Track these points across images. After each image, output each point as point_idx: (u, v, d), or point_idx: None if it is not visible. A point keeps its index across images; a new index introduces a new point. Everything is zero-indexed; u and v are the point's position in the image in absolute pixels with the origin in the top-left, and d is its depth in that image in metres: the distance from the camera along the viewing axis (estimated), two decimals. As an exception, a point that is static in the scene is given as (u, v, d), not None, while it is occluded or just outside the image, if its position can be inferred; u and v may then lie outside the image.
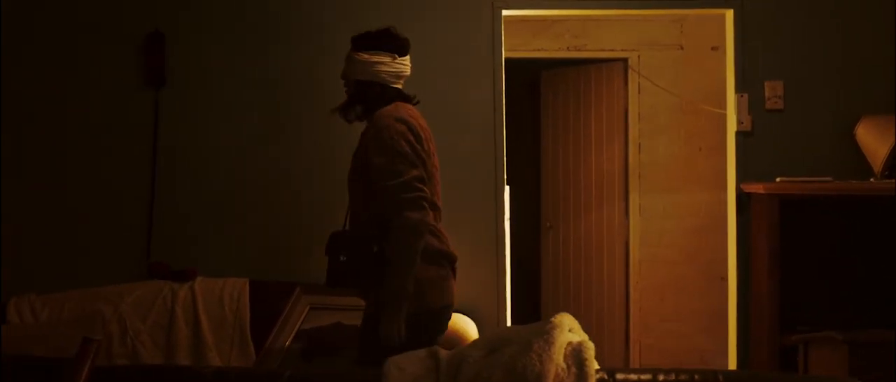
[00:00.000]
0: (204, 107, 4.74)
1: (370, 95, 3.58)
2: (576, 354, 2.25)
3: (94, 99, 4.73)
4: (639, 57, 6.36)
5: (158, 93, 4.73)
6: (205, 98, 4.74)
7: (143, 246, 4.74)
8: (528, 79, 7.11)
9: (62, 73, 4.73)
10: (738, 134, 4.75)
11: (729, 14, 4.78)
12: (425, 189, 3.39)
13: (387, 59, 3.57)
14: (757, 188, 4.58)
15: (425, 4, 4.71)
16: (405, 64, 3.63)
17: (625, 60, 6.39)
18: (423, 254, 3.40)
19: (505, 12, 4.71)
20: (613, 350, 6.39)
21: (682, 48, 6.38)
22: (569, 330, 2.38)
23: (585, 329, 6.20)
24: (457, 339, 4.38)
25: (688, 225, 6.38)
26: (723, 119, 6.24)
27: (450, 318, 3.59)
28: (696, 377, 2.32)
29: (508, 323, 4.84)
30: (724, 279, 6.28)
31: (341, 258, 3.49)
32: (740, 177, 4.75)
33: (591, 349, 2.33)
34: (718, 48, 6.27)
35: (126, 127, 4.73)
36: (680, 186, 6.38)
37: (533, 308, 7.01)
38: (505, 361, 2.15)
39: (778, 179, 4.55)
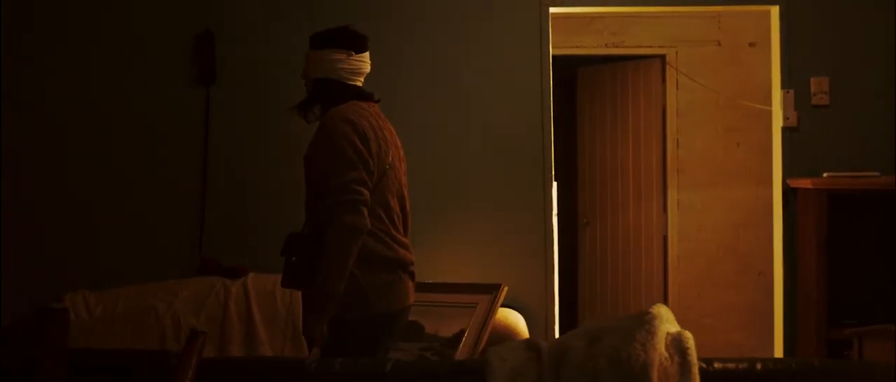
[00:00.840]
0: (253, 105, 4.79)
1: (327, 93, 3.53)
2: (677, 344, 2.29)
3: (147, 97, 4.78)
4: (676, 53, 6.40)
5: (209, 90, 4.78)
6: (254, 95, 4.79)
7: (194, 242, 4.79)
8: (565, 76, 7.14)
9: (115, 72, 4.79)
10: (783, 129, 4.77)
11: (774, 10, 4.81)
12: (364, 191, 3.30)
13: (343, 56, 3.52)
14: (804, 183, 4.60)
15: (473, 2, 4.75)
16: (363, 60, 3.57)
17: (662, 57, 6.42)
18: (368, 261, 3.35)
19: (552, 10, 4.74)
20: (651, 345, 6.42)
21: (719, 44, 6.41)
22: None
23: (552, 325, 6.24)
24: (507, 334, 4.42)
25: (725, 221, 6.41)
26: (761, 114, 6.28)
27: (402, 322, 3.53)
28: (793, 365, 2.37)
29: (556, 319, 4.87)
30: (763, 274, 6.32)
31: (292, 259, 3.45)
32: (786, 173, 4.77)
33: (690, 338, 2.37)
34: (755, 44, 6.32)
35: (177, 124, 4.79)
36: (717, 181, 6.41)
37: (568, 304, 7.05)
38: (609, 351, 2.19)
39: (825, 175, 4.57)
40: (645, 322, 2.28)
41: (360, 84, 3.56)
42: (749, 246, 6.33)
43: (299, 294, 4.58)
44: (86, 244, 4.78)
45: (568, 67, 6.99)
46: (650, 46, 6.40)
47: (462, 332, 4.28)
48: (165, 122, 4.79)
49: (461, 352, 4.21)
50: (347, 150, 3.32)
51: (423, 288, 4.53)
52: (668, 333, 2.35)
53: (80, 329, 4.48)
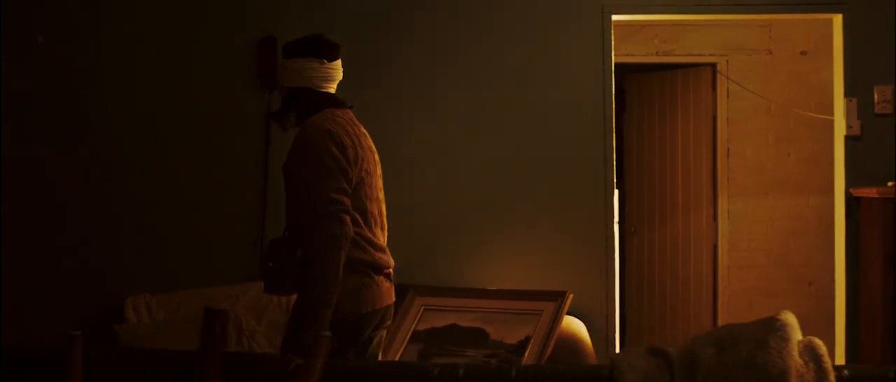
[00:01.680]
0: (315, 111, 4.79)
1: (301, 101, 3.55)
2: (810, 350, 2.28)
3: (209, 101, 4.80)
4: (727, 62, 6.38)
5: (271, 94, 4.79)
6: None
7: (253, 247, 4.79)
8: (614, 84, 7.13)
9: (178, 76, 4.81)
10: (846, 138, 4.74)
11: (837, 18, 4.78)
12: (345, 200, 3.33)
13: (315, 64, 3.53)
14: (869, 192, 4.58)
15: (536, 9, 4.75)
16: (335, 68, 3.59)
17: (713, 65, 6.41)
18: (344, 265, 3.35)
19: (615, 17, 4.74)
20: (700, 355, 6.39)
21: (770, 53, 6.39)
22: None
23: (671, 333, 6.19)
24: (570, 341, 4.41)
25: (776, 230, 6.38)
26: (813, 124, 6.27)
27: (370, 326, 3.51)
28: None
29: (617, 327, 4.86)
30: (813, 283, 6.30)
31: (270, 264, 3.44)
32: (848, 183, 4.74)
33: (822, 345, 2.36)
34: (807, 53, 6.30)
35: (239, 129, 4.80)
36: (768, 191, 6.38)
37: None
38: (743, 358, 2.19)
39: (889, 183, 4.54)
40: (777, 329, 2.27)
41: (332, 91, 3.58)
42: (800, 255, 6.31)
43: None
44: (146, 248, 4.80)
45: (617, 75, 6.96)
46: (700, 55, 6.39)
47: (527, 339, 4.27)
48: (227, 127, 4.80)
49: (527, 359, 4.20)
50: (326, 160, 3.35)
51: (486, 294, 4.56)
52: (798, 340, 2.34)
53: (143, 333, 4.50)
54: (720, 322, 6.41)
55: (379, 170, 3.66)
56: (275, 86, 4.75)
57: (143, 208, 4.81)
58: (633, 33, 6.35)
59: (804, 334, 6.20)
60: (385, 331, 3.72)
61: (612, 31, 4.75)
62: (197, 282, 4.73)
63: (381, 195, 3.65)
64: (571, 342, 4.35)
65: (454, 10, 4.77)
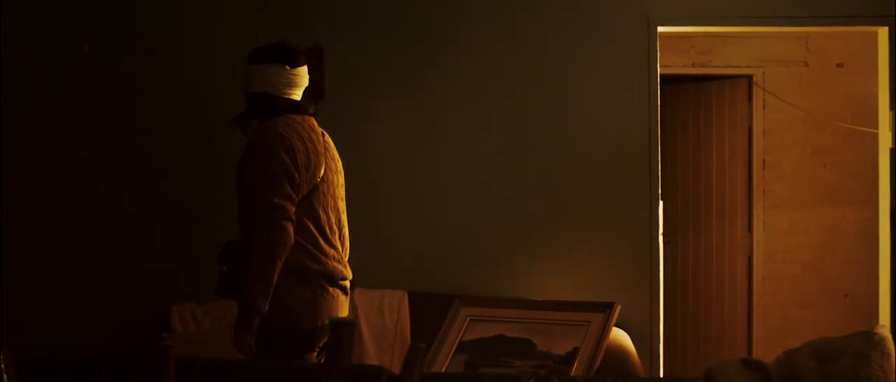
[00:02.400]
0: (362, 121, 4.81)
1: (261, 106, 3.59)
2: None
3: (255, 111, 4.81)
4: (763, 73, 6.38)
5: (317, 105, 4.80)
6: (363, 111, 4.81)
7: (300, 256, 4.80)
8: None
9: (226, 87, 4.80)
10: (891, 151, 4.74)
11: (883, 31, 4.78)
12: (288, 206, 3.36)
13: (278, 70, 3.58)
14: (915, 205, 4.58)
15: (582, 21, 4.76)
16: (299, 74, 3.63)
17: (749, 77, 6.41)
18: (292, 274, 3.39)
19: (660, 29, 4.74)
20: (735, 366, 6.38)
21: (806, 65, 6.39)
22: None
23: (704, 342, 6.18)
24: (616, 352, 4.40)
25: (811, 242, 6.38)
26: (849, 136, 6.27)
27: (322, 340, 3.49)
28: None
29: (661, 338, 4.86)
30: (848, 295, 6.29)
31: (223, 268, 3.51)
32: (893, 194, 4.74)
33: None
34: (843, 65, 6.31)
35: (285, 139, 4.81)
36: (804, 202, 6.38)
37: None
38: (846, 372, 2.20)
39: (934, 197, 4.55)
40: (877, 343, 2.28)
41: (296, 97, 3.62)
42: (835, 267, 6.31)
43: (407, 309, 4.64)
44: (188, 256, 4.80)
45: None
46: (737, 66, 6.39)
47: (576, 350, 4.27)
48: (273, 137, 4.81)
49: (576, 370, 4.20)
50: (273, 164, 3.39)
51: (532, 305, 4.56)
52: (896, 354, 2.36)
53: (190, 342, 4.51)
54: (755, 334, 6.41)
55: (340, 180, 3.68)
56: (321, 96, 4.78)
57: (186, 218, 4.83)
58: (669, 45, 6.35)
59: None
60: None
61: (658, 43, 4.75)
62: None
63: (342, 205, 3.67)
64: (619, 353, 4.35)
65: (500, 21, 4.78)
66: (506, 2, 4.79)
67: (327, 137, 3.67)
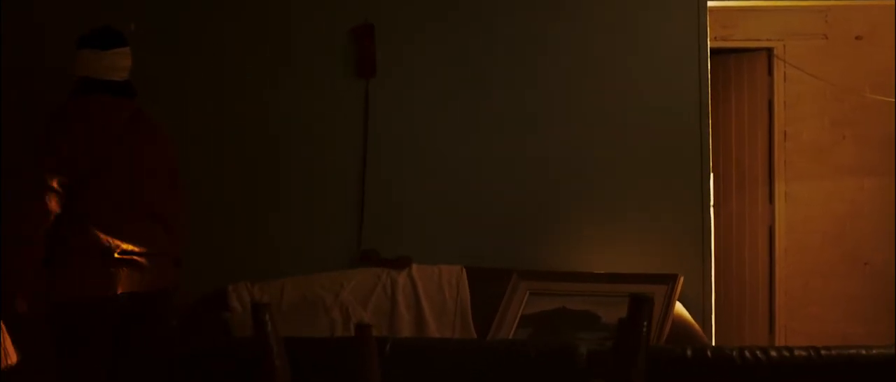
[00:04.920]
0: (413, 96, 4.80)
1: (81, 89, 3.75)
2: None
3: (307, 89, 4.78)
4: (784, 46, 6.46)
5: (369, 82, 4.78)
6: (414, 87, 4.80)
7: (354, 234, 4.79)
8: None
9: (276, 64, 4.78)
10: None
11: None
12: (54, 181, 3.54)
13: (90, 54, 3.73)
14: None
15: (631, -6, 4.80)
16: (111, 56, 3.74)
17: (769, 50, 6.49)
18: (67, 247, 3.60)
19: (711, 3, 4.79)
20: (757, 335, 6.50)
21: (826, 37, 6.48)
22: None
23: (729, 313, 6.26)
24: (682, 323, 4.46)
25: (832, 212, 6.50)
26: (868, 107, 6.39)
27: (107, 313, 3.66)
28: None
29: (713, 309, 4.91)
30: (868, 264, 6.43)
31: None
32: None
33: None
34: (862, 37, 6.41)
35: (338, 116, 4.79)
36: (824, 173, 6.49)
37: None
38: None
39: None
40: None
41: (116, 79, 3.76)
42: (855, 237, 6.44)
43: (466, 284, 4.65)
44: (245, 235, 4.77)
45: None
46: (758, 40, 6.46)
47: (642, 322, 4.31)
48: (326, 114, 4.79)
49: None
50: (53, 140, 3.59)
51: (593, 278, 4.59)
52: None
53: (247, 320, 4.47)
54: (777, 303, 6.52)
55: (150, 163, 3.78)
56: (372, 72, 4.76)
57: (242, 196, 4.79)
58: (691, 18, 6.41)
59: (860, 313, 6.33)
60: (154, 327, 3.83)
61: (708, 17, 4.79)
62: (295, 270, 4.72)
63: (146, 184, 3.76)
64: (683, 324, 4.41)
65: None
66: (556, -26, 4.80)
67: (145, 123, 3.80)
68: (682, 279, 4.38)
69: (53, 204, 3.54)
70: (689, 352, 2.77)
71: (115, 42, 3.78)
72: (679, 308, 4.57)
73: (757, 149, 6.59)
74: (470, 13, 4.81)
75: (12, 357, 3.07)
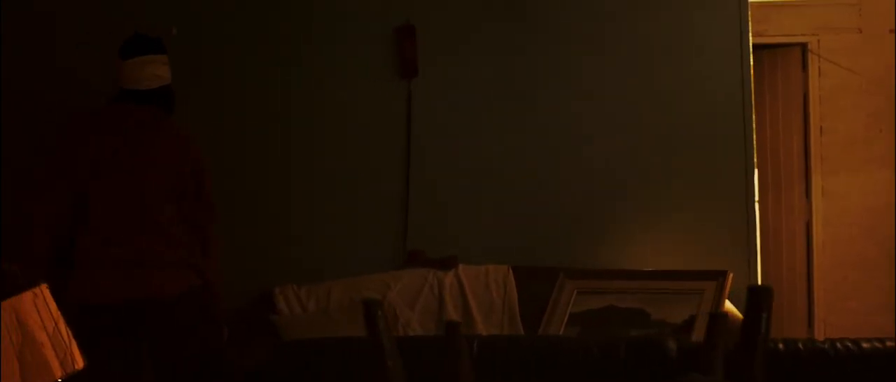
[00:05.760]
0: (455, 97, 4.81)
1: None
2: None
3: (350, 90, 4.79)
4: (818, 41, 6.45)
5: (411, 83, 4.79)
6: (456, 87, 4.81)
7: (399, 234, 4.80)
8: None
9: (319, 65, 4.79)
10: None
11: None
12: (54, 183, 3.56)
13: (116, 63, 3.74)
14: None
15: (672, -10, 4.80)
16: (131, 66, 3.71)
17: (804, 45, 6.48)
18: (75, 253, 3.58)
19: None
20: (795, 330, 6.49)
21: (860, 31, 6.47)
22: None
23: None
24: (732, 320, 4.44)
25: (868, 206, 6.48)
26: (905, 99, 6.37)
27: (107, 320, 3.55)
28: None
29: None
30: (906, 258, 6.41)
31: None
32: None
33: None
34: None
35: (381, 117, 4.80)
36: (860, 166, 6.48)
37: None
38: None
39: None
40: None
41: (140, 88, 3.71)
42: (892, 230, 6.41)
43: (513, 283, 4.65)
44: (290, 237, 4.78)
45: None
46: (792, 35, 6.45)
47: (692, 318, 4.31)
48: (368, 115, 4.80)
49: (697, 337, 4.24)
50: (59, 146, 3.65)
51: (639, 275, 4.59)
52: None
53: (299, 324, 4.49)
54: (815, 297, 6.51)
55: (158, 170, 3.66)
56: (414, 73, 4.77)
57: (286, 198, 4.80)
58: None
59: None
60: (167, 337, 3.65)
61: (749, 12, 4.79)
62: (341, 272, 4.73)
63: (150, 195, 3.63)
64: (733, 320, 4.39)
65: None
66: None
67: (156, 134, 3.70)
68: (731, 275, 4.37)
69: (53, 207, 3.55)
70: (780, 345, 2.77)
71: (135, 51, 3.73)
72: (729, 305, 4.57)
73: (792, 145, 6.58)
74: (513, 14, 4.81)
75: (79, 363, 3.07)
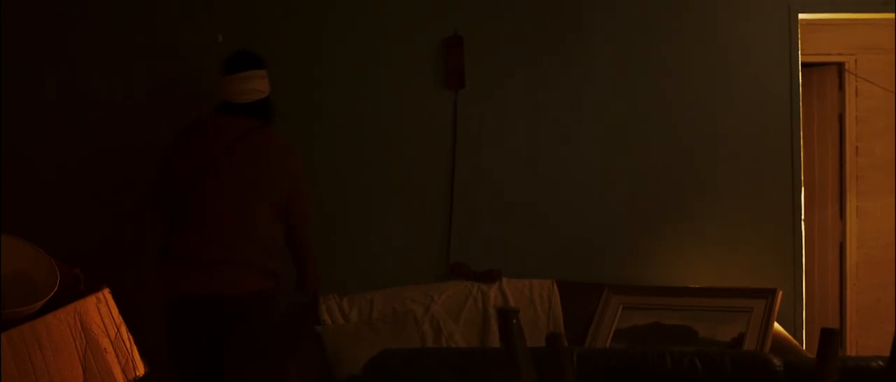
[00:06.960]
0: (501, 109, 4.78)
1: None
2: None
3: (397, 101, 4.76)
4: (856, 60, 6.43)
5: (457, 94, 4.76)
6: (502, 99, 4.78)
7: (442, 246, 4.76)
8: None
9: (366, 75, 4.76)
10: None
11: None
12: (158, 182, 4.05)
13: (221, 79, 4.02)
14: None
15: (721, 7, 4.76)
16: (228, 81, 3.99)
17: (841, 64, 6.45)
18: (165, 248, 3.93)
19: (801, 15, 4.76)
20: (828, 351, 6.44)
21: (897, 52, 6.44)
22: None
23: (799, 329, 6.19)
24: (781, 338, 4.40)
25: (903, 227, 6.45)
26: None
27: (191, 311, 3.83)
28: None
29: (804, 323, 4.86)
30: (941, 281, 6.36)
31: None
32: None
33: None
34: (934, 51, 6.37)
35: (426, 128, 4.77)
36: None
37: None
38: None
39: None
40: None
41: (238, 101, 3.99)
42: (927, 252, 6.38)
43: (558, 298, 4.61)
44: (333, 247, 4.74)
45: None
46: (829, 54, 6.42)
47: (741, 336, 4.27)
48: (414, 126, 4.77)
49: (747, 357, 4.20)
50: (164, 154, 4.03)
51: (686, 292, 4.55)
52: None
53: (343, 335, 4.45)
54: (849, 319, 6.46)
55: (247, 179, 3.90)
56: (461, 84, 4.74)
57: (331, 208, 4.75)
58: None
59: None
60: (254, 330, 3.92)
61: (799, 30, 4.76)
62: (384, 283, 4.70)
63: (225, 192, 3.87)
64: (781, 339, 4.36)
65: (643, 6, 4.76)
66: (644, -11, 4.78)
67: (244, 142, 3.91)
68: (781, 293, 4.33)
69: (152, 204, 4.17)
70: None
71: (237, 67, 4.01)
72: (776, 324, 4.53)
73: (827, 164, 6.55)
74: (562, 26, 4.78)
75: (140, 369, 3.05)
